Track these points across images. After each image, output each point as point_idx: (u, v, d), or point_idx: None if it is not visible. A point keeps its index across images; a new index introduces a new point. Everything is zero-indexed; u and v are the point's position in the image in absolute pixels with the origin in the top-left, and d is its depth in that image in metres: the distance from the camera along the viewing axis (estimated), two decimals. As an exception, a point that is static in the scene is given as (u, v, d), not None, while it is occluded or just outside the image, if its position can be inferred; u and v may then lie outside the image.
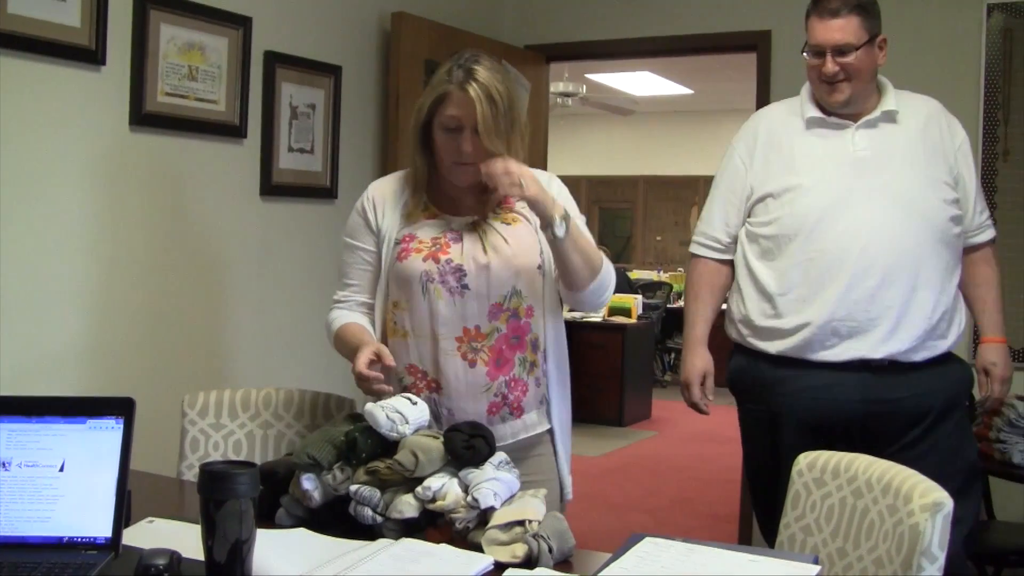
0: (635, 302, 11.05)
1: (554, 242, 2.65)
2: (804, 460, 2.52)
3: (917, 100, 3.41)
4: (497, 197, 2.69)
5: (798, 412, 3.33)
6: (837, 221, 3.23)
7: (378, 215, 2.77)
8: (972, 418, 3.93)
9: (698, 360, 3.66)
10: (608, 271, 2.86)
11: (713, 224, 3.59)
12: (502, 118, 2.62)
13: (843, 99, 3.26)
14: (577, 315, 11.04)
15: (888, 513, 2.20)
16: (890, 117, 3.31)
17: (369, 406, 2.33)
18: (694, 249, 3.68)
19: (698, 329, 3.68)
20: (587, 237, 2.79)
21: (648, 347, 11.27)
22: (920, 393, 3.25)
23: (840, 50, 3.21)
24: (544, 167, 6.20)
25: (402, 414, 2.31)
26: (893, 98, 3.33)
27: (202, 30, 4.08)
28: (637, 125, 14.55)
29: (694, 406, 3.70)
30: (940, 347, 3.28)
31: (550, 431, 2.86)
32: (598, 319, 10.88)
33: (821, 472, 2.46)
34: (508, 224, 2.74)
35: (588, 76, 11.40)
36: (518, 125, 2.70)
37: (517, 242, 2.72)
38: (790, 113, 3.45)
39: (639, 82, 12.03)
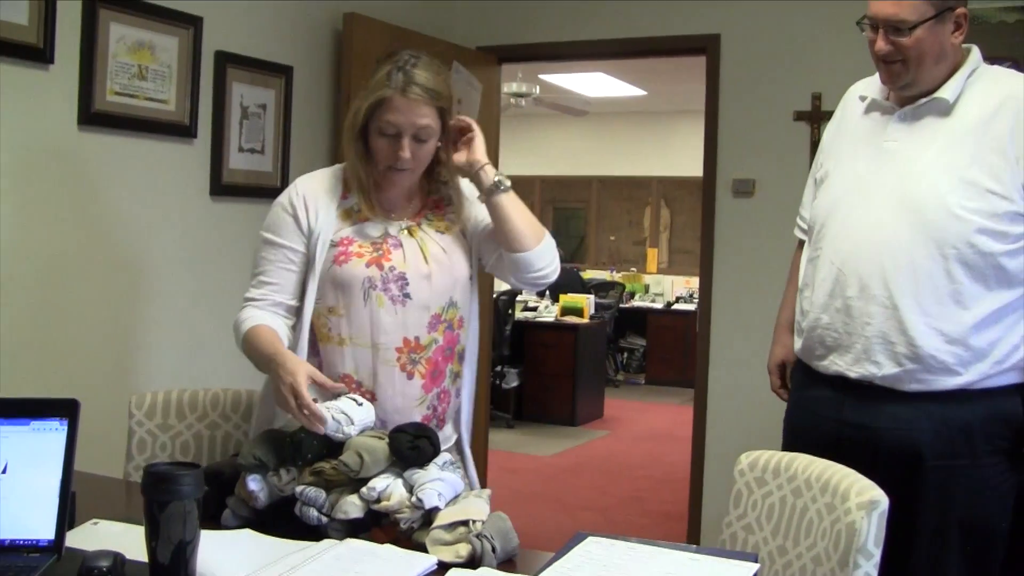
0: (587, 302, 11.08)
1: (500, 199, 2.67)
2: (746, 459, 2.55)
3: (1000, 83, 2.78)
4: (458, 160, 2.71)
5: (792, 420, 3.14)
6: (838, 219, 2.91)
7: (309, 214, 2.65)
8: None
9: (777, 348, 3.32)
10: (550, 239, 2.82)
11: (804, 203, 3.24)
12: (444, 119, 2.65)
13: (899, 83, 2.80)
14: (529, 315, 11.08)
15: (826, 511, 2.24)
16: (940, 107, 2.77)
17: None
18: (795, 231, 3.31)
19: (784, 314, 3.31)
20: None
21: (601, 347, 11.31)
22: (903, 428, 2.77)
23: (894, 26, 2.71)
24: (496, 167, 6.21)
25: (348, 415, 2.32)
26: (959, 82, 2.76)
27: (152, 29, 4.06)
28: (591, 126, 14.57)
29: (776, 393, 3.34)
30: (943, 383, 2.73)
31: (458, 439, 2.84)
32: (550, 319, 10.92)
33: (762, 471, 2.49)
34: (442, 232, 2.73)
35: (542, 77, 11.41)
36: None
37: (453, 251, 2.72)
38: (865, 90, 3.01)
39: (592, 83, 12.05)
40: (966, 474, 2.72)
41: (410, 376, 2.62)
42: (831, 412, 2.90)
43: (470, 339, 2.81)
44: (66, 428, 2.05)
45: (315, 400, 2.34)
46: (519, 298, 11.37)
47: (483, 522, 2.13)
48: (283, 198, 2.71)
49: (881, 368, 2.78)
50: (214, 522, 2.26)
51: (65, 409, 2.06)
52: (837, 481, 2.25)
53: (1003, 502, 2.80)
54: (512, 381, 10.17)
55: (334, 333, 2.63)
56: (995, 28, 4.79)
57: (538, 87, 11.22)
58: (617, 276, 14.36)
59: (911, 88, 2.80)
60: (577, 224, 15.88)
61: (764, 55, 5.37)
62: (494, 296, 7.93)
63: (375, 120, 2.58)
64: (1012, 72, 2.85)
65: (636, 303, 13.82)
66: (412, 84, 2.55)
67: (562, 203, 15.93)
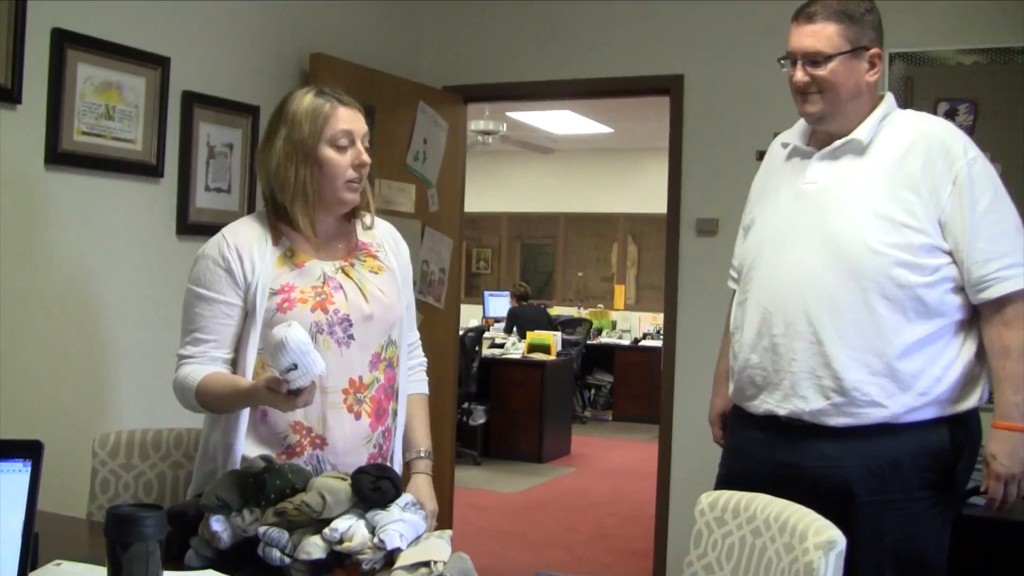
0: (555, 338, 11.10)
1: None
2: (706, 499, 2.57)
3: (912, 125, 2.93)
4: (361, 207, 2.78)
5: (728, 465, 3.19)
6: (764, 262, 3.01)
7: (244, 265, 2.61)
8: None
9: (717, 399, 3.42)
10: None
11: (736, 255, 3.34)
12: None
13: (814, 111, 2.91)
14: (496, 352, 11.09)
15: (784, 551, 2.26)
16: (855, 147, 2.90)
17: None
18: (728, 282, 3.41)
19: (721, 364, 3.39)
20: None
21: (568, 383, 11.33)
22: (836, 466, 2.84)
23: (811, 59, 2.87)
24: (462, 204, 6.28)
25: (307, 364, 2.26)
26: (873, 124, 2.91)
27: (120, 69, 4.08)
28: (558, 162, 14.64)
29: (719, 444, 3.39)
30: (869, 416, 2.81)
31: None
32: (517, 356, 10.94)
33: (722, 511, 2.52)
34: (376, 273, 2.76)
35: (509, 114, 11.47)
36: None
37: (388, 291, 2.75)
38: (787, 137, 3.15)
39: (559, 121, 12.12)
40: (898, 509, 2.79)
41: (357, 416, 2.64)
42: (764, 454, 2.98)
43: (403, 378, 2.84)
44: (29, 469, 2.04)
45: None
46: (486, 335, 11.38)
47: (444, 563, 2.14)
48: (212, 251, 2.66)
49: (808, 403, 2.85)
50: (177, 563, 2.26)
51: (29, 450, 2.04)
52: (795, 521, 2.27)
53: (937, 536, 2.88)
54: (479, 418, 10.17)
55: (257, 380, 2.51)
56: (953, 70, 4.88)
57: (505, 124, 11.28)
58: (584, 312, 14.40)
59: (828, 122, 2.94)
60: (545, 260, 15.91)
61: (726, 95, 5.44)
62: (461, 333, 7.94)
63: (324, 138, 2.61)
64: (924, 115, 3.02)
65: (603, 339, 13.86)
66: (343, 97, 2.66)
67: (529, 239, 15.96)
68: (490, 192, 14.53)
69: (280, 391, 2.29)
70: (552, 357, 10.87)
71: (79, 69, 3.91)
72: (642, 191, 13.93)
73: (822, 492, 2.73)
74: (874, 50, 2.91)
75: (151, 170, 4.26)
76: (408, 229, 5.38)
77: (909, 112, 3.02)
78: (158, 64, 4.25)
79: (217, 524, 2.27)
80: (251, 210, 4.71)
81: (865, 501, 2.78)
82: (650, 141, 12.41)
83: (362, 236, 2.83)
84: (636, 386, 13.07)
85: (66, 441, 3.47)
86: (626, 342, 13.74)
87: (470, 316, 12.99)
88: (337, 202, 2.69)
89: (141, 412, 4.12)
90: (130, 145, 4.15)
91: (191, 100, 4.45)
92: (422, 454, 2.90)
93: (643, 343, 13.42)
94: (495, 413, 10.45)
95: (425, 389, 3.02)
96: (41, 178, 3.82)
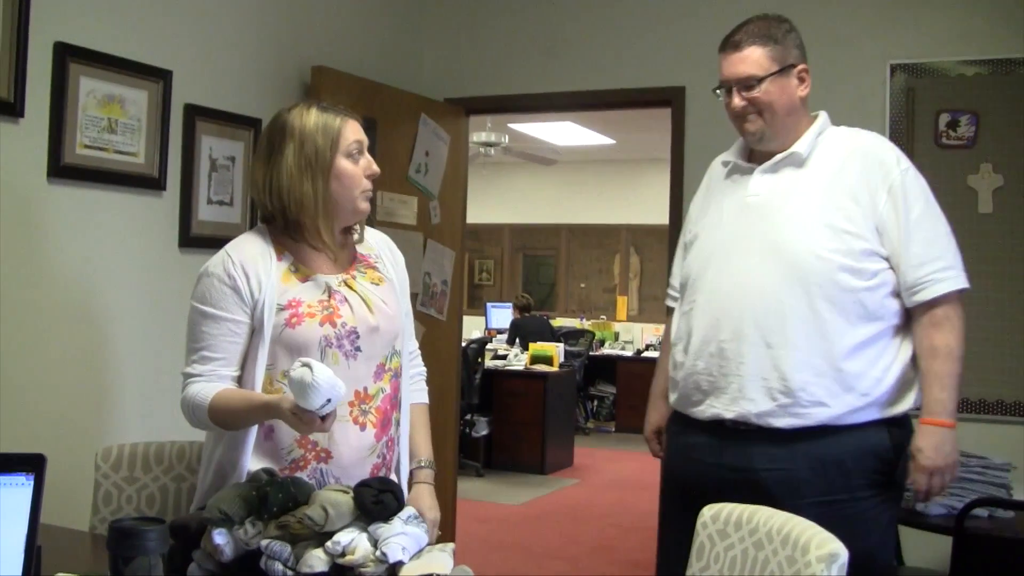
0: (557, 350, 11.09)
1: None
2: (708, 512, 2.57)
3: (848, 138, 3.14)
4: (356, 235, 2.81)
5: (671, 470, 3.34)
6: (710, 272, 3.12)
7: (251, 282, 2.61)
8: (954, 528, 3.51)
9: (653, 415, 3.53)
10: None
11: (672, 273, 3.51)
12: None
13: (754, 130, 3.09)
14: (499, 363, 11.09)
15: (787, 564, 2.26)
16: (795, 160, 3.08)
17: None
18: (666, 300, 3.57)
19: (658, 382, 3.52)
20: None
21: (570, 395, 11.33)
22: (782, 468, 2.96)
23: (744, 84, 3.05)
24: (464, 216, 6.29)
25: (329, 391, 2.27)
26: (811, 138, 3.09)
27: (122, 83, 4.09)
28: (560, 174, 14.66)
29: (655, 455, 3.57)
30: (814, 416, 2.94)
31: None
32: (520, 367, 10.93)
33: (724, 524, 2.51)
34: (377, 284, 2.78)
35: (510, 126, 11.49)
36: None
37: (390, 302, 2.77)
38: (726, 156, 3.32)
39: (561, 132, 12.14)
40: (844, 509, 2.89)
41: (362, 427, 2.65)
42: (711, 458, 3.08)
43: (405, 387, 2.85)
44: (32, 483, 2.04)
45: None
46: (488, 346, 11.39)
47: (447, 576, 2.14)
48: (216, 269, 2.65)
49: (756, 405, 2.98)
50: (180, 576, 2.27)
51: (31, 464, 2.05)
52: (797, 534, 2.27)
53: (884, 534, 3.01)
54: (482, 429, 10.17)
55: (279, 396, 2.48)
56: (954, 81, 4.89)
57: (507, 136, 11.30)
58: (587, 324, 14.40)
59: (767, 141, 3.11)
60: (547, 272, 15.94)
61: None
62: (463, 344, 7.95)
63: (339, 150, 2.65)
64: (857, 129, 3.20)
65: (606, 351, 13.87)
66: (346, 110, 2.71)
67: (532, 251, 15.99)
68: (492, 203, 14.55)
69: (314, 423, 2.31)
70: (555, 368, 10.86)
71: (81, 83, 3.92)
72: (644, 202, 13.95)
73: (769, 494, 2.81)
74: (800, 66, 3.10)
75: (153, 183, 4.27)
76: (410, 241, 5.41)
77: (843, 128, 3.19)
78: (160, 77, 4.26)
79: (220, 537, 2.27)
80: (253, 223, 4.70)
81: (812, 502, 2.84)
82: (652, 152, 12.44)
83: (359, 248, 2.84)
84: (638, 397, 12.87)
85: (69, 454, 3.48)
86: (628, 353, 13.74)
87: (472, 328, 13.00)
88: (353, 213, 2.72)
89: (143, 425, 4.12)
90: (132, 158, 4.16)
91: (193, 113, 4.46)
92: (423, 464, 2.91)
93: (646, 354, 13.41)
94: (498, 425, 10.45)
95: (425, 399, 3.03)
96: (43, 191, 3.83)
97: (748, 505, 2.52)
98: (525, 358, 11.14)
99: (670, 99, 5.64)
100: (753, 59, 3.04)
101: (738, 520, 2.48)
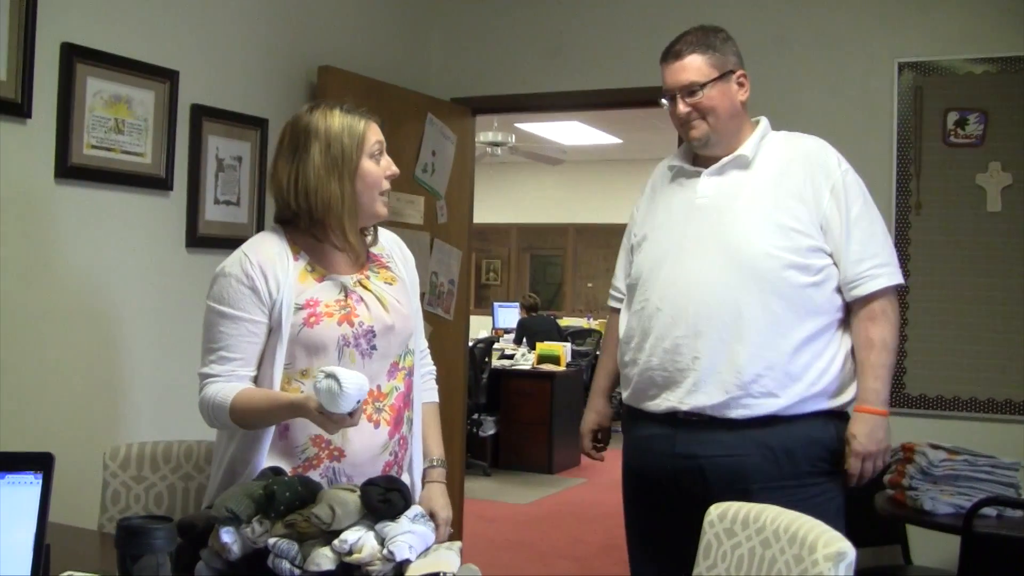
0: (564, 349, 11.08)
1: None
2: (715, 511, 2.57)
3: (790, 142, 3.27)
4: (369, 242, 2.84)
5: (628, 463, 3.45)
6: (662, 271, 3.21)
7: (269, 283, 2.62)
8: (962, 529, 3.61)
9: (591, 414, 3.67)
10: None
11: (617, 275, 3.61)
12: None
13: (700, 135, 3.19)
14: (506, 363, 11.08)
15: (794, 562, 2.26)
16: (741, 163, 3.20)
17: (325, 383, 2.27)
18: (608, 301, 3.68)
19: (598, 381, 3.68)
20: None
21: (578, 394, 11.28)
22: (733, 455, 3.07)
23: (688, 90, 3.16)
24: (471, 216, 6.29)
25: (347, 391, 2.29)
26: (755, 142, 3.22)
27: (129, 83, 4.10)
28: (567, 173, 14.66)
29: (587, 455, 3.72)
30: (764, 407, 3.05)
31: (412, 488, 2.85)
32: (527, 367, 10.92)
33: (732, 522, 2.51)
34: (390, 284, 2.79)
35: (517, 126, 11.49)
36: None
37: (404, 302, 2.79)
38: (671, 161, 3.42)
39: (568, 131, 12.15)
40: (792, 495, 2.91)
41: (376, 425, 2.66)
42: (665, 448, 3.19)
43: (417, 386, 2.87)
44: (40, 482, 2.05)
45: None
46: (495, 346, 11.38)
47: (454, 574, 2.14)
48: (234, 269, 2.66)
49: (711, 397, 3.08)
50: (188, 574, 2.26)
51: (40, 463, 2.06)
52: (805, 533, 2.27)
53: (832, 522, 2.88)
54: (489, 429, 10.17)
55: (305, 395, 2.49)
56: (963, 80, 4.88)
57: (514, 136, 11.30)
58: (594, 323, 14.38)
59: (712, 146, 3.22)
60: (554, 271, 15.94)
61: (735, 106, 5.44)
62: (470, 344, 7.95)
63: (363, 151, 2.71)
64: (798, 134, 3.32)
65: (613, 350, 13.82)
66: (367, 112, 2.76)
67: (539, 250, 15.99)
68: (499, 203, 14.56)
69: (344, 421, 2.35)
70: (562, 368, 10.85)
71: (88, 83, 3.93)
72: (651, 202, 13.90)
73: (720, 481, 3.02)
74: (739, 72, 3.23)
75: (160, 183, 4.28)
76: (417, 241, 5.41)
77: (783, 132, 3.31)
78: (167, 78, 4.27)
79: (227, 536, 2.27)
80: (260, 223, 4.72)
81: (762, 487, 2.96)
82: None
83: (372, 248, 2.86)
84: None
85: (77, 453, 3.48)
86: (636, 353, 13.70)
87: (479, 327, 13.00)
88: (372, 216, 2.76)
89: (151, 424, 4.13)
90: (139, 159, 4.17)
91: (200, 113, 4.47)
92: (435, 463, 2.92)
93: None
94: (505, 424, 10.45)
95: (436, 397, 3.05)
96: (51, 192, 3.84)
97: (755, 504, 2.52)
98: (532, 358, 11.13)
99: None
100: (694, 67, 3.16)
101: (745, 519, 2.48)
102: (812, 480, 3.09)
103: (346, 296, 2.67)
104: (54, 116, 3.83)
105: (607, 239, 15.26)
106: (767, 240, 3.07)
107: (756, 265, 3.06)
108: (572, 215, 15.24)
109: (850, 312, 3.16)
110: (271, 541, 2.25)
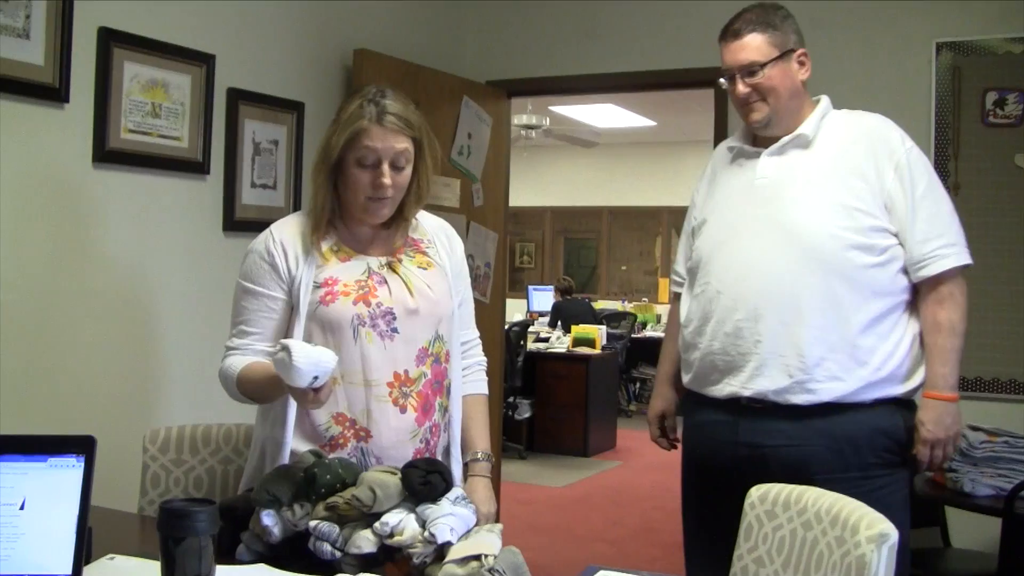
0: (599, 332, 11.08)
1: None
2: (756, 492, 2.56)
3: (851, 120, 3.20)
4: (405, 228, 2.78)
5: (688, 449, 3.35)
6: (722, 253, 3.16)
7: (288, 259, 2.67)
8: (1003, 510, 3.58)
9: (658, 400, 3.61)
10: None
11: (678, 259, 3.55)
12: (425, 150, 2.72)
13: (761, 118, 3.14)
14: (541, 346, 11.09)
15: (836, 544, 2.25)
16: (801, 142, 3.14)
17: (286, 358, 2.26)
18: (670, 287, 3.60)
19: (663, 367, 3.60)
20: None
21: (613, 377, 11.31)
22: (795, 443, 3.01)
23: (748, 70, 3.11)
24: (506, 199, 6.28)
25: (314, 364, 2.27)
26: (815, 121, 3.15)
27: (165, 68, 4.11)
28: (601, 156, 14.63)
29: (656, 443, 3.64)
30: (829, 392, 2.98)
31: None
32: (562, 350, 10.91)
33: (772, 504, 2.50)
34: (424, 269, 2.77)
35: (552, 109, 11.47)
36: (432, 155, 2.76)
37: (437, 287, 2.75)
38: (731, 142, 3.37)
39: (602, 114, 12.11)
40: (857, 487, 2.79)
41: (403, 410, 2.64)
42: (727, 436, 3.13)
43: (455, 374, 2.83)
44: (83, 464, 2.06)
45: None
46: (530, 329, 11.39)
47: (495, 556, 2.14)
48: (259, 246, 2.72)
49: (774, 382, 3.02)
50: (228, 557, 2.27)
51: (82, 446, 2.07)
52: (847, 514, 2.26)
53: (895, 513, 2.80)
54: (524, 412, 10.17)
55: None
56: (1001, 59, 4.83)
57: (548, 119, 11.29)
58: (629, 306, 14.38)
59: (773, 126, 3.16)
60: (588, 254, 15.92)
61: (772, 87, 5.40)
62: (506, 327, 7.94)
63: (352, 152, 2.62)
64: (860, 112, 3.24)
65: (648, 333, 13.81)
66: (386, 114, 2.61)
67: (573, 233, 15.97)
68: (533, 186, 14.54)
69: (307, 397, 2.33)
70: (597, 351, 10.85)
71: (125, 68, 3.94)
72: (686, 184, 13.69)
73: (783, 470, 2.86)
74: (799, 51, 3.15)
75: (197, 167, 4.29)
76: (453, 224, 5.36)
77: (845, 111, 3.24)
78: (203, 62, 4.28)
79: (268, 518, 2.28)
80: (296, 206, 4.73)
81: (825, 479, 2.81)
82: (693, 134, 12.38)
83: (413, 232, 2.84)
84: (681, 380, 12.99)
85: (117, 436, 3.50)
86: (670, 336, 13.67)
87: (514, 310, 12.99)
88: (358, 220, 2.72)
89: (190, 408, 4.15)
90: (176, 143, 4.18)
91: (236, 97, 4.48)
92: (479, 456, 2.89)
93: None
94: (540, 407, 10.45)
95: (483, 389, 3.00)
96: (89, 176, 3.85)
97: (796, 485, 2.51)
98: (567, 341, 11.13)
99: (712, 80, 5.56)
100: (754, 46, 3.10)
101: (786, 500, 2.47)
102: (877, 472, 3.01)
103: (368, 277, 2.67)
104: (92, 101, 3.84)
105: (641, 222, 15.24)
106: (828, 220, 3.01)
107: (817, 246, 3.00)
108: (606, 198, 15.22)
109: (917, 294, 3.09)
110: (312, 524, 2.26)
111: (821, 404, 2.99)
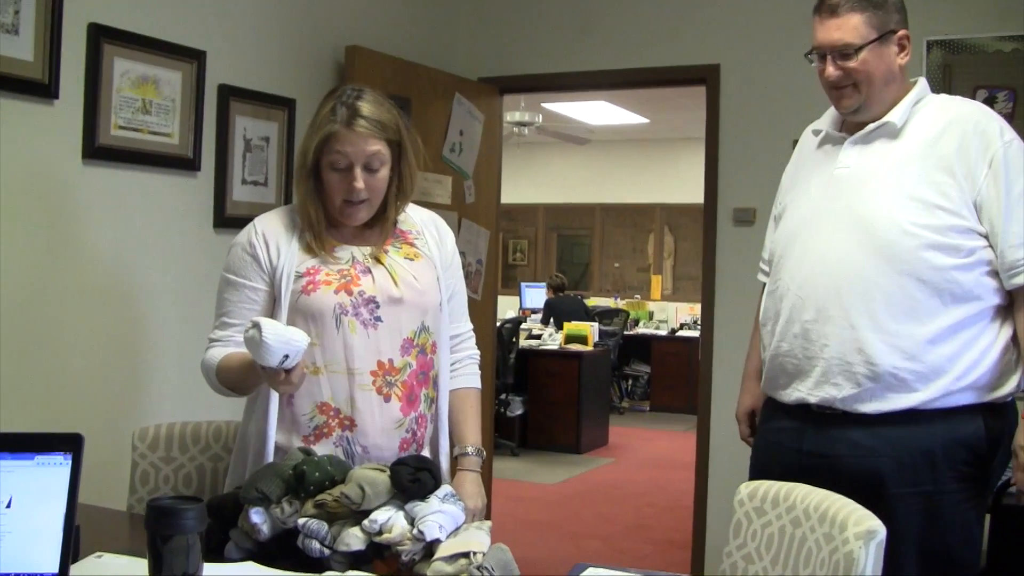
0: (591, 329, 11.09)
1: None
2: (745, 489, 2.56)
3: (946, 107, 2.88)
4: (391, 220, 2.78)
5: (754, 456, 3.16)
6: (795, 248, 2.95)
7: (270, 251, 2.67)
8: (991, 505, 3.18)
9: (746, 396, 3.35)
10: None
11: (765, 246, 3.30)
12: (406, 149, 2.72)
13: (851, 104, 2.87)
14: (533, 343, 11.09)
15: (824, 541, 2.25)
16: (888, 131, 2.85)
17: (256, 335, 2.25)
18: (758, 275, 3.35)
19: (751, 362, 3.35)
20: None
21: (605, 374, 11.32)
22: (866, 455, 2.77)
23: (841, 52, 2.81)
24: (498, 196, 6.28)
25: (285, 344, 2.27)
26: (906, 107, 2.85)
27: (156, 64, 4.10)
28: (593, 153, 14.62)
29: (745, 441, 3.35)
30: (902, 401, 2.74)
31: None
32: (554, 347, 10.93)
33: (761, 501, 2.50)
34: (412, 260, 2.77)
35: (544, 105, 11.46)
36: (416, 153, 2.76)
37: (423, 278, 2.75)
38: (818, 125, 3.11)
39: (595, 111, 12.10)
40: (928, 501, 2.72)
41: (387, 399, 2.64)
42: (793, 443, 2.92)
43: (443, 366, 2.83)
44: (70, 462, 2.05)
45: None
46: (523, 326, 11.39)
47: (484, 554, 2.13)
48: (241, 239, 2.73)
49: (841, 390, 2.79)
50: (217, 555, 2.26)
51: (69, 443, 2.06)
52: (835, 511, 2.26)
53: (967, 531, 2.80)
54: (516, 409, 10.18)
55: (308, 363, 2.58)
56: (991, 57, 4.83)
57: (540, 116, 11.28)
58: (621, 303, 14.39)
59: (863, 112, 2.88)
60: (581, 251, 15.91)
61: (763, 85, 5.41)
62: (498, 324, 7.94)
63: (325, 155, 2.62)
64: (958, 98, 2.95)
65: (640, 330, 13.85)
66: (357, 117, 2.60)
67: (566, 230, 15.97)
68: (526, 183, 14.53)
69: (278, 378, 2.32)
70: (589, 348, 10.86)
71: (115, 64, 3.93)
72: (679, 181, 13.89)
73: (852, 482, 2.59)
74: (901, 32, 2.85)
75: (188, 164, 4.28)
76: (445, 221, 5.39)
77: (943, 96, 2.96)
78: (194, 58, 4.27)
79: (256, 516, 2.28)
80: (287, 202, 4.70)
81: (895, 492, 2.71)
82: (686, 131, 12.39)
83: (402, 224, 2.84)
84: (673, 377, 13.05)
85: (105, 435, 3.50)
86: (663, 332, 13.72)
87: (507, 307, 13.00)
88: (343, 216, 2.71)
89: (180, 405, 4.13)
90: (167, 139, 4.17)
91: (227, 93, 4.47)
92: (469, 451, 2.87)
93: (680, 333, 13.40)
94: (533, 404, 10.46)
95: (475, 383, 2.99)
96: (79, 172, 3.84)
97: (786, 482, 2.51)
98: (560, 338, 11.14)
99: (704, 77, 5.62)
100: (851, 26, 2.80)
101: (775, 497, 2.47)
102: (951, 486, 2.75)
103: (352, 266, 2.67)
104: (81, 97, 3.83)
105: (634, 219, 15.23)
106: (906, 216, 2.74)
107: (892, 243, 2.74)
108: (599, 195, 15.21)
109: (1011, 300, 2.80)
110: (301, 521, 2.25)
111: (893, 412, 2.76)
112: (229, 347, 2.66)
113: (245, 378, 2.56)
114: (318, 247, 2.69)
